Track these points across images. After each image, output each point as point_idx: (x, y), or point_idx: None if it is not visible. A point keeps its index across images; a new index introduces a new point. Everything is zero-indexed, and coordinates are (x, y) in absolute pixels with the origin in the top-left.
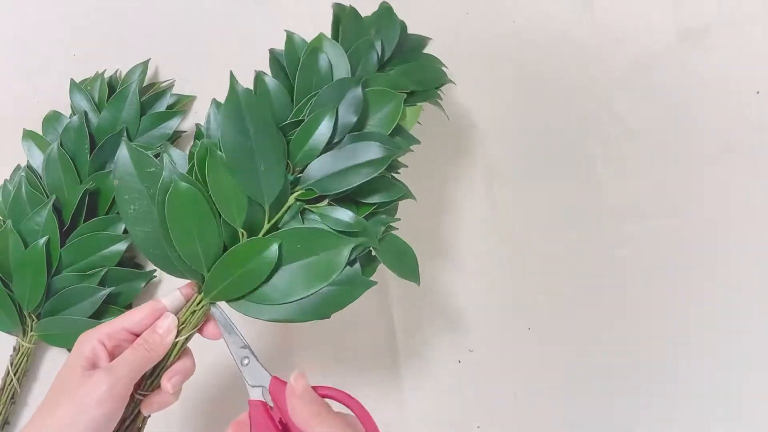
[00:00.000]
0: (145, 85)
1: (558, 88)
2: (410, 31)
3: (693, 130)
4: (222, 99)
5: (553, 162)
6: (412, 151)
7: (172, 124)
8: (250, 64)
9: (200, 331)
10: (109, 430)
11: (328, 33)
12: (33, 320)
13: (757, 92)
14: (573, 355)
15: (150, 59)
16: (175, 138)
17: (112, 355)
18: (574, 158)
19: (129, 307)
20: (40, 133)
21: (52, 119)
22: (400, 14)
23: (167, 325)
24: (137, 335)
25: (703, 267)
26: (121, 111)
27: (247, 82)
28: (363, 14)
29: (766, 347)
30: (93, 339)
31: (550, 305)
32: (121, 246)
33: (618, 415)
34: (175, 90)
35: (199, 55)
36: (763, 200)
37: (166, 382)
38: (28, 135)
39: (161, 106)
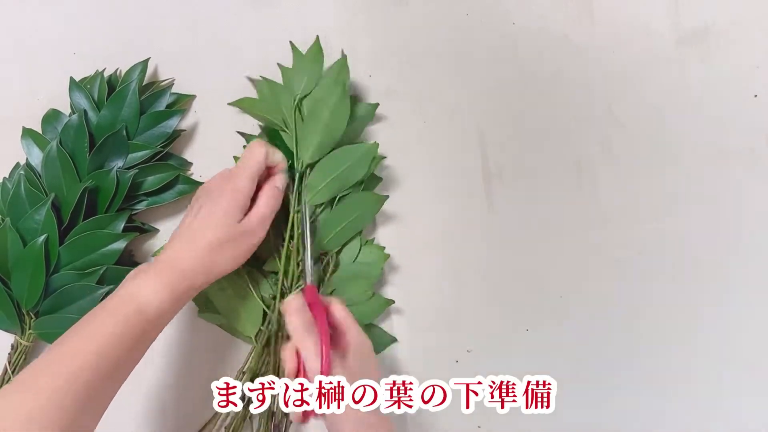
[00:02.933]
0: (145, 83)
1: (557, 89)
2: (408, 28)
3: (691, 132)
4: (221, 97)
5: (551, 163)
6: None
7: (172, 123)
8: (249, 62)
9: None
10: None
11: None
12: (31, 318)
13: (755, 96)
14: (571, 356)
15: (150, 58)
16: (174, 137)
17: None
18: (572, 160)
19: None
20: (40, 131)
21: (51, 118)
22: (400, 15)
23: (282, 179)
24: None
25: (702, 269)
26: (120, 110)
27: (242, 82)
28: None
29: (765, 347)
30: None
31: (548, 306)
32: (120, 244)
33: (617, 415)
34: (176, 89)
35: (199, 54)
36: (761, 203)
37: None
38: (28, 133)
39: (161, 105)
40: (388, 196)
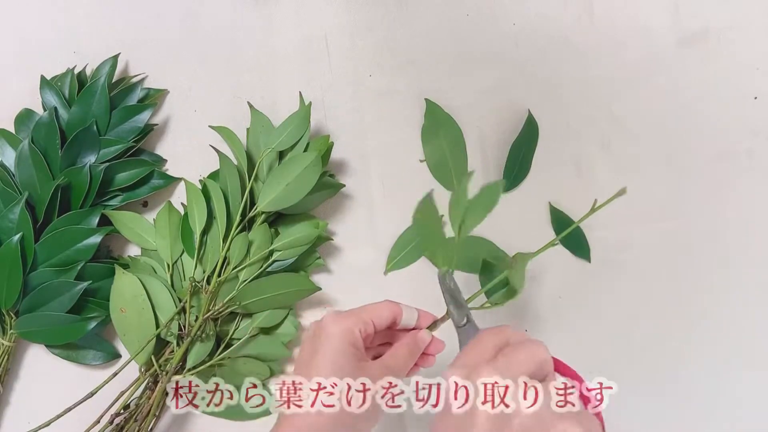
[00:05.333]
0: (117, 79)
1: (557, 90)
2: (409, 28)
3: (691, 134)
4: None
5: (551, 164)
6: None
7: (143, 118)
8: (248, 62)
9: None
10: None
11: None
12: (11, 318)
13: (755, 98)
14: (569, 357)
15: (120, 54)
16: (147, 131)
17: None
18: (572, 160)
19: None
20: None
21: (24, 117)
22: (400, 14)
23: (426, 335)
24: (375, 328)
25: (701, 270)
26: (90, 105)
27: (237, 81)
28: None
29: (764, 347)
30: (355, 327)
31: (547, 308)
32: (95, 239)
33: (615, 415)
34: (172, 87)
35: (195, 53)
36: (760, 204)
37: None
38: (0, 133)
39: (132, 100)
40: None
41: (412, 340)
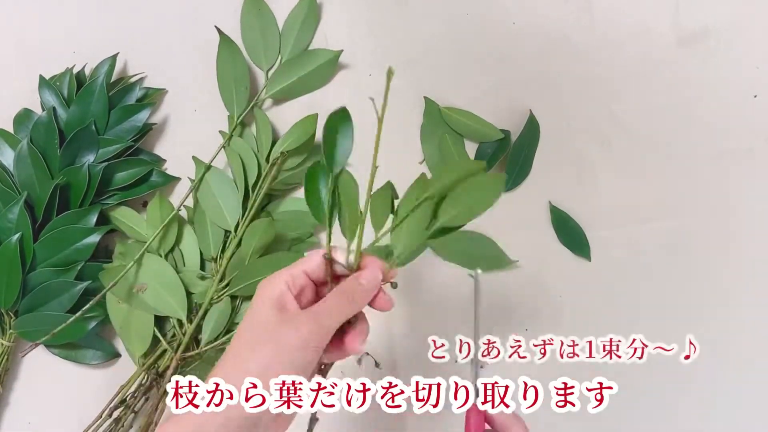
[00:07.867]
0: (116, 79)
1: (557, 89)
2: (409, 28)
3: (691, 132)
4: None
5: (551, 163)
6: None
7: (142, 117)
8: None
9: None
10: (307, 376)
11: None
12: (11, 318)
13: (755, 96)
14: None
15: (119, 53)
16: (145, 130)
17: (297, 299)
18: (573, 160)
19: None
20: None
21: (23, 117)
22: (400, 14)
23: (372, 277)
24: (313, 281)
25: (700, 269)
26: (89, 105)
27: None
28: None
29: (764, 347)
30: (280, 282)
31: (547, 306)
32: (94, 238)
33: (614, 415)
34: (171, 88)
35: (195, 54)
36: (761, 203)
37: (356, 344)
38: None
39: (130, 100)
40: None
41: (347, 283)
